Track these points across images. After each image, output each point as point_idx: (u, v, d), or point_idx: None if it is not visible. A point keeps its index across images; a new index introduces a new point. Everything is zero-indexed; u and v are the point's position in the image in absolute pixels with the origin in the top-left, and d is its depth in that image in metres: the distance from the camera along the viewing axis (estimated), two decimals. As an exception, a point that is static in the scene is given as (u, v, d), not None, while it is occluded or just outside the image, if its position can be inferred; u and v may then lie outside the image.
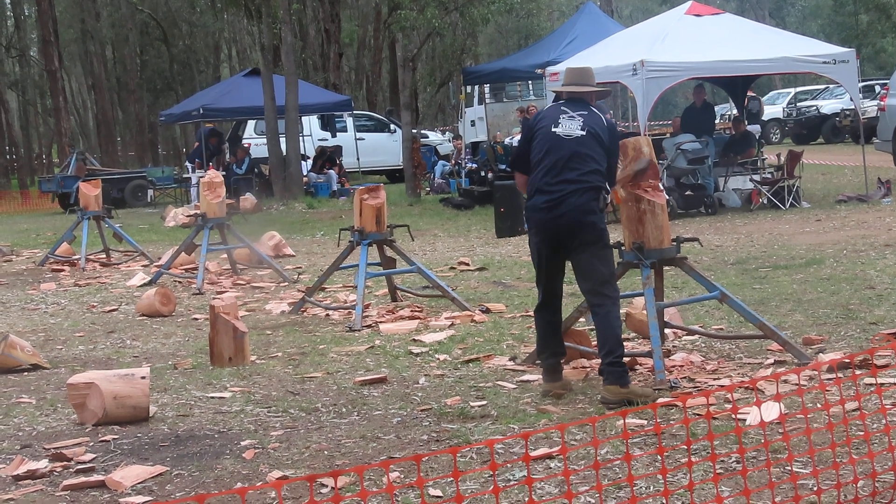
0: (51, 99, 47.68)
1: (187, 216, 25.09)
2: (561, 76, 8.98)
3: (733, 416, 6.53)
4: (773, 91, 56.44)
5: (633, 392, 8.23)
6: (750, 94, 28.27)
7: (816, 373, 7.99)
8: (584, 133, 8.55)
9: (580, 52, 24.83)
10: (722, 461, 6.43)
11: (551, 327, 8.84)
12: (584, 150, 8.51)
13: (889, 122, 25.45)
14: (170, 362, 10.53)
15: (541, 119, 8.84)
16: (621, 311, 10.81)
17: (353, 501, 5.82)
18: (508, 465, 6.64)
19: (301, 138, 33.25)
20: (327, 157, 34.28)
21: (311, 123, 37.45)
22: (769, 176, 22.67)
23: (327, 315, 12.75)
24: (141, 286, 15.68)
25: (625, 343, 10.14)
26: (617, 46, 23.64)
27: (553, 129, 8.65)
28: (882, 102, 27.04)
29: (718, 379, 8.70)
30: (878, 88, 39.96)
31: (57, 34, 45.93)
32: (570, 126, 8.61)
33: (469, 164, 30.29)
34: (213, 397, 9.01)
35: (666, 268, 9.54)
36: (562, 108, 8.78)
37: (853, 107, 28.81)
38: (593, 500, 5.97)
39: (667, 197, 10.76)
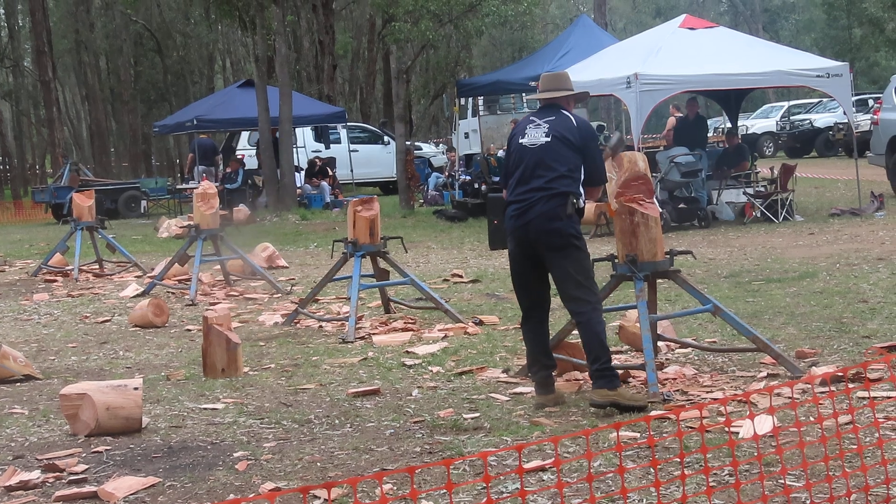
0: (44, 109, 47.65)
1: (181, 227, 25.06)
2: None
3: (726, 428, 6.52)
4: (767, 105, 56.55)
5: (620, 395, 8.24)
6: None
7: (809, 386, 8.00)
8: (548, 139, 8.61)
9: (574, 65, 24.85)
10: (715, 474, 6.43)
11: (538, 339, 8.83)
12: (548, 156, 8.56)
13: (882, 135, 25.48)
14: (163, 373, 10.52)
15: (513, 132, 8.98)
16: (615, 324, 10.83)
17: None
18: (501, 477, 6.64)
19: (295, 150, 33.25)
20: (319, 169, 34.28)
21: (304, 135, 37.46)
22: (762, 189, 22.70)
23: (320, 327, 12.75)
24: (134, 297, 15.66)
25: (617, 355, 10.18)
26: (611, 59, 23.68)
27: (520, 140, 8.76)
28: (875, 116, 27.07)
29: (711, 392, 8.70)
30: (871, 102, 40.04)
31: (51, 45, 45.92)
32: (534, 135, 8.70)
33: (463, 177, 30.31)
34: (205, 408, 9.00)
35: (659, 280, 9.55)
36: (530, 117, 8.90)
37: (846, 120, 28.88)
38: (586, 513, 5.97)
39: (660, 210, 10.74)
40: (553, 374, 8.84)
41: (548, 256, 8.55)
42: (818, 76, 22.05)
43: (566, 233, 8.48)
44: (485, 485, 5.91)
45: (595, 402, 8.26)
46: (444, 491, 5.33)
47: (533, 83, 25.70)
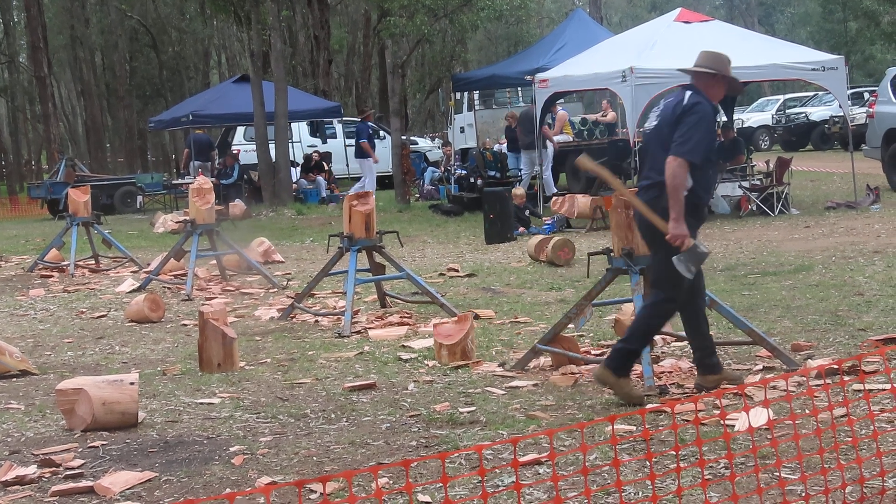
0: (40, 105, 47.62)
1: (176, 222, 25.05)
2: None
3: (722, 421, 6.53)
4: (763, 98, 56.56)
5: (619, 385, 8.26)
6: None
7: (805, 379, 8.01)
8: (656, 123, 8.53)
9: (570, 59, 24.87)
10: (710, 467, 6.44)
11: (689, 325, 8.65)
12: (653, 143, 8.43)
13: (878, 128, 25.50)
14: (159, 368, 10.52)
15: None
16: (610, 318, 10.83)
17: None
18: (497, 470, 6.64)
19: (291, 145, 33.24)
20: (315, 164, 34.27)
21: (300, 130, 37.45)
22: (758, 182, 22.70)
23: (316, 321, 12.75)
24: (130, 292, 15.65)
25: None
26: (606, 53, 23.67)
27: (645, 124, 8.68)
28: (871, 109, 27.09)
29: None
30: (866, 95, 40.07)
31: (46, 40, 45.88)
32: (651, 119, 8.61)
33: (458, 171, 30.30)
34: (202, 403, 9.00)
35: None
36: (661, 99, 8.76)
37: (842, 114, 28.85)
38: (582, 506, 5.97)
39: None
40: (714, 355, 8.57)
41: (656, 249, 8.42)
42: (814, 69, 22.06)
43: (652, 218, 8.27)
44: (480, 478, 5.92)
45: (597, 375, 8.39)
46: (440, 484, 5.34)
47: (528, 77, 25.75)
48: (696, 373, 8.70)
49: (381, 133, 38.29)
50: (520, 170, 28.03)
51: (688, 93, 8.42)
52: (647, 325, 8.43)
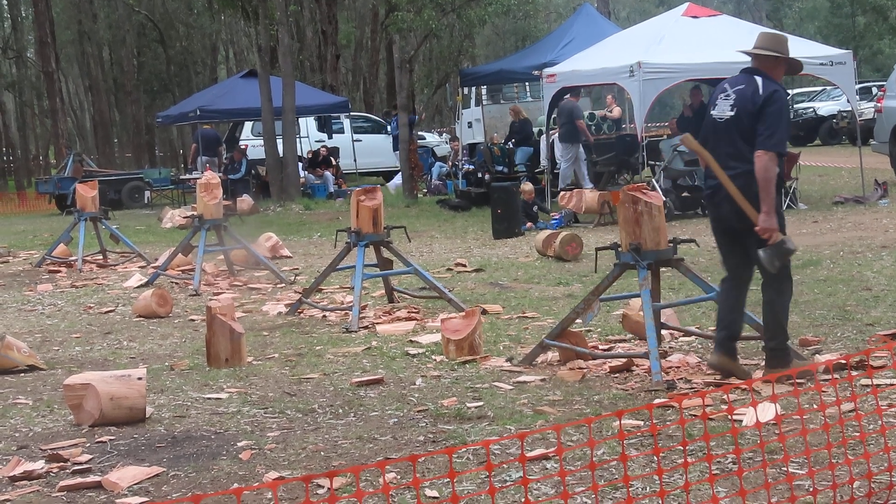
0: (47, 100, 47.65)
1: (184, 217, 25.06)
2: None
3: (729, 416, 6.52)
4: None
5: (736, 366, 8.52)
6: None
7: (813, 374, 8.00)
8: (732, 114, 8.48)
9: (577, 54, 24.85)
10: (718, 462, 6.44)
11: (727, 301, 8.78)
12: (732, 132, 8.42)
13: (886, 123, 25.45)
14: (166, 363, 10.53)
15: (711, 98, 8.81)
16: (618, 313, 10.84)
17: (349, 502, 5.82)
18: (505, 465, 6.64)
19: (298, 140, 33.25)
20: (323, 159, 34.27)
21: (308, 125, 37.45)
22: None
23: (324, 316, 12.76)
24: (138, 287, 15.67)
25: (621, 343, 10.18)
26: (614, 48, 23.64)
27: (711, 112, 8.64)
28: (879, 104, 27.03)
29: (715, 380, 8.70)
30: (875, 90, 40.00)
31: (54, 35, 45.91)
32: (723, 107, 8.56)
33: (466, 166, 30.29)
34: (209, 398, 9.01)
35: (663, 269, 9.56)
36: (724, 84, 8.69)
37: (850, 108, 28.81)
38: (589, 501, 5.97)
39: (663, 198, 10.75)
40: (734, 342, 8.74)
41: (743, 236, 8.49)
42: (822, 64, 22.00)
43: (745, 208, 8.32)
44: (488, 473, 5.92)
45: (712, 364, 8.62)
46: (448, 479, 5.34)
47: (535, 72, 25.74)
48: (711, 348, 8.75)
49: (388, 128, 38.29)
50: (527, 164, 28.01)
51: (759, 79, 8.49)
52: (783, 312, 8.58)
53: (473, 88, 35.50)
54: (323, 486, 6.53)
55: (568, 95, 25.27)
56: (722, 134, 8.50)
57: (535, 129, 29.99)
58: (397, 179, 31.85)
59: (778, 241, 8.26)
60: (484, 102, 35.49)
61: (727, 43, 21.91)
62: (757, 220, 8.23)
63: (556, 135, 26.13)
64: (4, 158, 62.65)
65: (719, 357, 8.62)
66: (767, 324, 8.61)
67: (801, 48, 22.96)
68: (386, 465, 4.29)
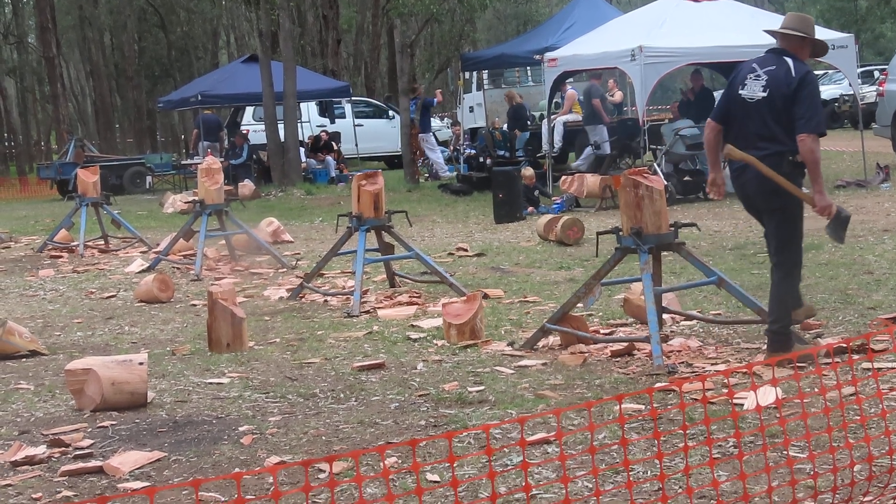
0: (49, 85, 47.62)
1: (186, 203, 25.06)
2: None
3: (730, 400, 6.53)
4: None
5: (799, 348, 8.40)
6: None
7: (814, 357, 8.00)
8: (765, 94, 8.50)
9: (578, 38, 24.80)
10: (719, 445, 6.44)
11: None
12: (764, 113, 8.48)
13: (888, 107, 25.41)
14: (168, 348, 10.54)
15: (734, 77, 8.81)
16: (619, 297, 10.83)
17: (349, 486, 5.84)
18: (506, 449, 6.65)
19: (300, 125, 33.21)
20: (324, 144, 34.24)
21: (309, 110, 37.39)
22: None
23: (325, 301, 12.76)
24: (139, 272, 15.66)
25: (622, 328, 10.18)
26: (615, 32, 23.59)
27: (740, 92, 8.63)
28: (881, 88, 27.00)
29: (716, 364, 8.71)
30: (877, 74, 39.93)
31: (55, 21, 45.87)
32: (753, 87, 8.58)
33: (468, 151, 30.26)
34: (210, 383, 9.02)
35: (664, 253, 9.56)
36: (752, 64, 8.71)
37: (852, 92, 28.76)
38: (590, 485, 5.97)
39: (665, 183, 10.75)
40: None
41: (764, 214, 8.68)
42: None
43: (778, 195, 8.45)
44: (488, 458, 5.93)
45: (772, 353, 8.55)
46: (448, 463, 5.34)
47: (537, 56, 25.69)
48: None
49: (391, 113, 38.24)
50: (529, 148, 27.95)
51: (789, 60, 8.54)
52: (789, 295, 8.62)
53: (475, 73, 35.44)
54: (324, 471, 6.54)
55: (570, 80, 25.25)
56: (753, 114, 8.55)
57: (537, 114, 29.94)
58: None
59: (835, 214, 8.66)
60: (485, 87, 35.44)
61: (728, 26, 21.94)
62: (808, 200, 8.50)
63: (557, 119, 26.09)
64: (6, 144, 62.64)
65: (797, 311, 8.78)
66: (772, 305, 8.64)
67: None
68: (386, 450, 4.29)
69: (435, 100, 33.30)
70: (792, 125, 8.37)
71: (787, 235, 8.58)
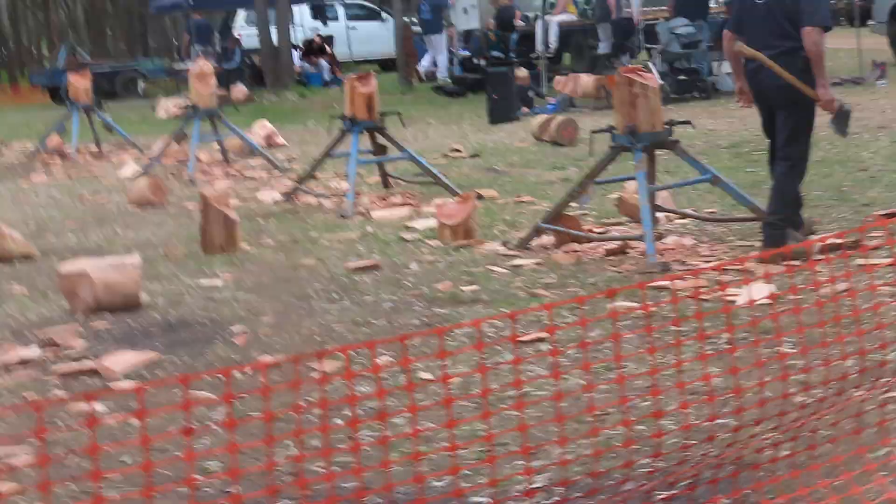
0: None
1: (178, 107, 24.93)
2: None
3: (722, 295, 6.52)
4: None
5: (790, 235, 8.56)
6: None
7: (808, 252, 7.98)
8: None
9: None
10: (711, 341, 6.43)
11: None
12: (773, 12, 8.65)
13: (884, 3, 25.22)
14: (161, 251, 10.51)
15: None
16: (614, 196, 10.80)
17: (340, 384, 5.84)
18: (497, 346, 6.64)
19: (292, 28, 32.94)
20: (318, 47, 34.01)
21: (302, 13, 37.08)
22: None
23: (319, 203, 12.72)
24: (133, 177, 15.60)
25: (617, 226, 10.17)
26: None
27: None
28: (878, -15, 26.78)
29: (710, 262, 8.70)
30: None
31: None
32: None
33: (461, 52, 30.05)
34: (204, 285, 9.00)
35: (658, 152, 9.51)
36: None
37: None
38: (583, 381, 5.97)
39: (660, 81, 10.68)
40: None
41: (777, 108, 8.82)
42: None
43: (792, 89, 8.62)
44: (479, 353, 5.93)
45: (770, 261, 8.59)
46: (440, 361, 5.35)
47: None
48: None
49: (384, 15, 37.93)
50: (523, 49, 27.68)
51: None
52: (791, 190, 8.79)
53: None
54: (315, 370, 6.54)
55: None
56: (764, 15, 8.69)
57: (531, 14, 29.66)
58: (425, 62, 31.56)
59: (839, 109, 8.83)
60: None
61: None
62: (813, 94, 8.62)
63: (551, 19, 25.87)
64: (-3, 51, 62.16)
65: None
66: (773, 197, 8.79)
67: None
68: (375, 345, 4.28)
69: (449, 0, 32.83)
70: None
71: (797, 129, 8.74)
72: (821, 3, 8.64)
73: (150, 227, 12.00)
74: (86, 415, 5.78)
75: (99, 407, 6.16)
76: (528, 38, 28.07)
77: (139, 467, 4.60)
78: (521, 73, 21.71)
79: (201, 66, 16.17)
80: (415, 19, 38.78)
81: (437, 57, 31.53)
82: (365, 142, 12.93)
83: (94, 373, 6.82)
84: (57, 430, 5.77)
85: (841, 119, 8.89)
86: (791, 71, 8.56)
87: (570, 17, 28.12)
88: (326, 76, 33.05)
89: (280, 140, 18.76)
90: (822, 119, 9.11)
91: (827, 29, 8.68)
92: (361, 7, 40.23)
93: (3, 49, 62.87)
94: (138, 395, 3.40)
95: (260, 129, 18.58)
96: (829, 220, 9.85)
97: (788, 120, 8.73)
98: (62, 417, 6.09)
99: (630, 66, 9.64)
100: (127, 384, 6.57)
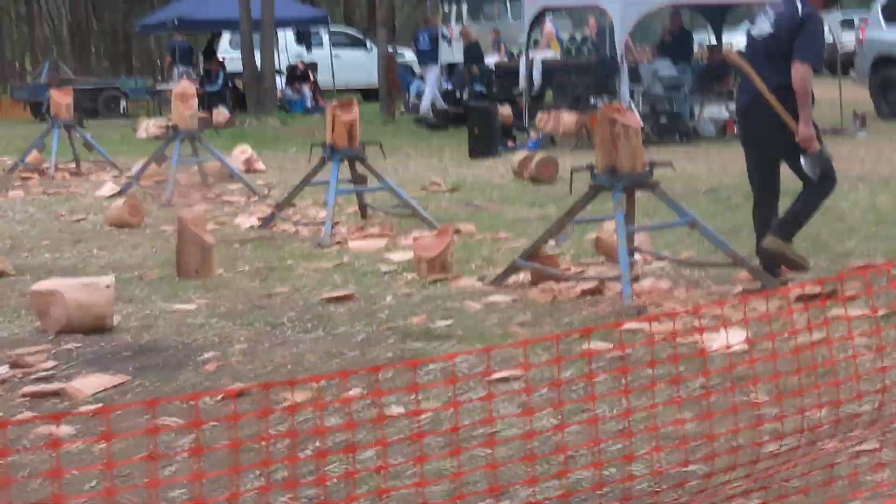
0: (24, 6, 47.11)
1: (159, 128, 24.86)
2: None
3: (698, 338, 6.49)
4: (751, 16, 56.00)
5: (790, 248, 8.83)
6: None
7: (784, 299, 7.98)
8: (772, 31, 8.88)
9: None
10: (685, 385, 6.40)
11: (760, 219, 9.25)
12: (770, 49, 8.87)
13: (867, 54, 25.35)
14: (136, 273, 10.46)
15: (753, 18, 9.37)
16: (591, 236, 10.78)
17: (311, 415, 5.78)
18: (471, 382, 6.59)
19: (276, 53, 32.92)
20: (301, 74, 34.01)
21: (286, 38, 37.06)
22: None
23: (296, 231, 12.68)
24: (110, 196, 15.53)
25: (593, 266, 10.14)
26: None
27: (750, 31, 9.14)
28: (861, 35, 26.92)
29: (686, 305, 8.68)
30: (856, 21, 39.80)
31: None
32: (762, 26, 8.98)
33: (445, 85, 30.08)
34: (177, 309, 8.95)
35: (638, 193, 9.50)
36: (767, 6, 9.15)
37: (831, 40, 28.65)
38: (555, 420, 5.94)
39: (641, 124, 10.71)
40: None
41: (775, 150, 9.02)
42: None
43: (781, 129, 8.82)
44: (452, 389, 5.89)
45: (767, 248, 8.85)
46: (411, 393, 5.30)
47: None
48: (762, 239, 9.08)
49: (369, 44, 37.93)
50: (504, 85, 27.61)
51: (799, 3, 8.87)
52: (812, 204, 9.06)
53: (454, 6, 35.15)
54: (287, 398, 6.49)
55: (550, 15, 25.00)
56: (760, 51, 8.96)
57: (515, 50, 29.72)
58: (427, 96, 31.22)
59: (817, 150, 8.86)
60: (464, 21, 35.18)
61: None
62: (796, 129, 8.75)
63: (535, 56, 25.90)
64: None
65: (771, 238, 8.89)
66: (788, 214, 8.99)
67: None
68: (348, 376, 4.24)
69: (447, 32, 32.71)
70: None
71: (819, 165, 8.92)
72: (815, 42, 8.84)
73: (125, 248, 11.94)
74: (50, 437, 5.72)
75: (65, 429, 6.10)
76: (511, 73, 28.07)
77: (102, 492, 4.55)
78: (505, 110, 21.70)
79: (184, 87, 16.13)
80: (399, 49, 38.86)
81: (427, 89, 31.37)
82: (344, 171, 12.89)
83: (61, 394, 6.76)
84: (20, 452, 5.70)
85: (816, 160, 8.92)
86: (786, 106, 8.77)
87: (553, 54, 28.18)
88: (308, 103, 33.03)
89: (260, 165, 18.72)
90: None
91: (816, 68, 8.86)
92: (346, 35, 40.24)
93: (-15, 63, 62.63)
94: (104, 419, 3.35)
95: (240, 154, 18.54)
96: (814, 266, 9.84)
97: (795, 161, 8.94)
98: (28, 438, 6.03)
99: (611, 105, 9.62)
100: (93, 407, 6.49)
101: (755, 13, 9.20)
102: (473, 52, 28.98)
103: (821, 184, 8.92)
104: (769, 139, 8.97)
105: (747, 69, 8.92)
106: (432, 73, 29.81)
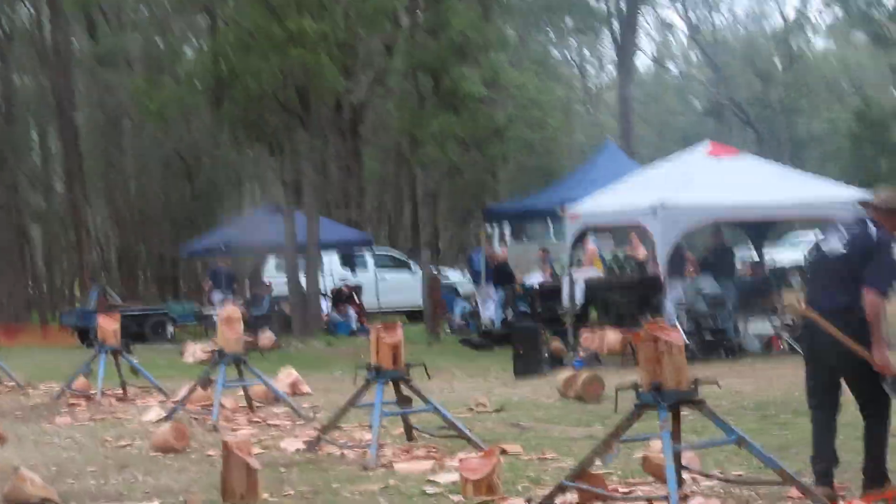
0: (74, 233, 47.92)
1: (205, 352, 25.04)
2: None
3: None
4: (792, 233, 56.11)
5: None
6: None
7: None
8: (845, 251, 9.09)
9: (600, 191, 24.89)
10: None
11: (821, 434, 9.46)
12: (841, 269, 9.07)
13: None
14: (181, 498, 10.42)
15: (822, 236, 9.56)
16: (639, 455, 10.70)
17: None
18: None
19: (321, 276, 33.26)
20: (347, 297, 34.31)
21: (331, 261, 37.46)
22: (790, 322, 22.45)
23: (342, 453, 12.64)
24: (156, 421, 15.56)
25: (641, 486, 10.04)
26: (636, 186, 23.67)
27: (822, 248, 9.34)
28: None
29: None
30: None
31: (82, 168, 46.30)
32: (834, 244, 9.21)
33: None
34: (223, 536, 8.89)
35: (684, 411, 9.45)
36: (839, 225, 9.35)
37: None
38: None
39: (686, 340, 10.73)
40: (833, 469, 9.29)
41: (839, 375, 9.21)
42: (844, 206, 21.94)
43: (847, 350, 8.94)
44: None
45: None
46: None
47: (559, 209, 25.75)
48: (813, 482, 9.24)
49: (413, 266, 38.24)
50: (547, 305, 27.68)
51: (872, 227, 9.12)
52: (883, 441, 9.29)
53: (497, 225, 35.52)
54: None
55: (592, 234, 25.21)
56: (830, 269, 9.17)
57: (558, 267, 29.92)
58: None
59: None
60: (508, 241, 35.49)
61: (749, 184, 22.00)
62: (867, 356, 8.89)
63: (577, 275, 26.05)
64: (30, 291, 62.79)
65: (824, 489, 9.03)
66: (872, 446, 9.37)
67: (823, 190, 23.00)
68: None
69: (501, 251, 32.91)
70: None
71: (872, 387, 9.12)
72: (886, 269, 8.95)
73: (171, 473, 11.92)
74: None
75: None
76: (554, 293, 28.14)
77: None
78: (556, 344, 21.69)
79: (229, 311, 16.28)
80: (444, 270, 39.13)
81: (488, 303, 31.30)
82: (390, 392, 12.91)
83: None
84: None
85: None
86: (847, 329, 8.86)
87: (596, 272, 28.34)
88: (354, 325, 33.24)
89: (305, 388, 18.76)
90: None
91: (884, 295, 8.91)
92: (391, 258, 40.59)
93: (36, 290, 63.53)
94: None
95: (285, 377, 18.61)
96: (859, 485, 9.70)
97: (858, 383, 9.11)
98: None
99: (655, 322, 9.63)
100: None
101: (828, 232, 9.36)
102: (501, 273, 29.17)
103: (884, 417, 9.18)
104: (836, 360, 9.11)
105: (815, 317, 9.08)
106: (493, 290, 29.79)
